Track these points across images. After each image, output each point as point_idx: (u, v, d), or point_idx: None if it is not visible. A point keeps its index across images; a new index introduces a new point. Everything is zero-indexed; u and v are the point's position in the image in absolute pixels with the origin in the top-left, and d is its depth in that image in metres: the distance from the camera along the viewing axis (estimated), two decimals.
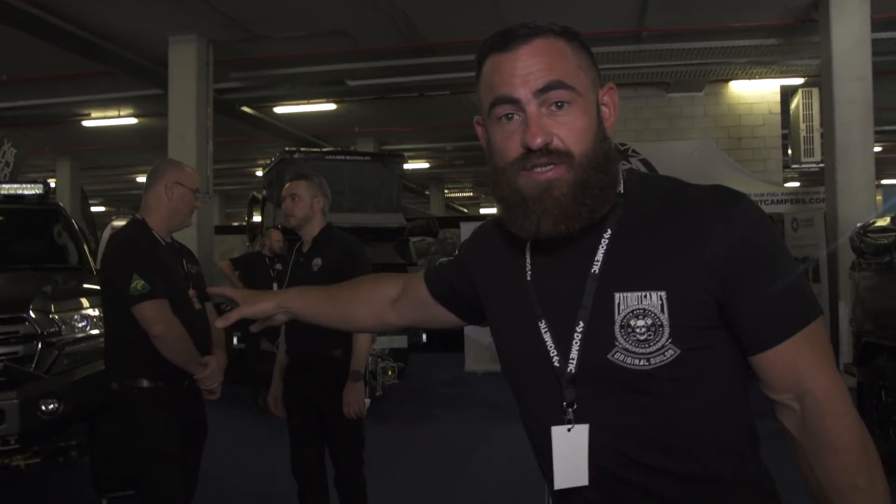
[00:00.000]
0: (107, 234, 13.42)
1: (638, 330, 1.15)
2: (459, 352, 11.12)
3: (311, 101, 13.10)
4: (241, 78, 11.56)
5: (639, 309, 1.15)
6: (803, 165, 11.70)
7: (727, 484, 1.19)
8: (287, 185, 3.68)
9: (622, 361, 1.16)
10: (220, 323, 1.58)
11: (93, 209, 20.17)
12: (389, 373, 8.56)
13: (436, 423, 7.81)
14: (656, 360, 1.15)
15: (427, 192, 25.69)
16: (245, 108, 13.21)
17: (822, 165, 9.92)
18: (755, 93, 12.53)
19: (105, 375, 3.23)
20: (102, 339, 3.36)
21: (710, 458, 1.20)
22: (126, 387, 3.08)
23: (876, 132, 9.06)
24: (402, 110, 14.34)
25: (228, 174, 20.16)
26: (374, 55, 10.66)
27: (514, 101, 1.18)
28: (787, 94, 12.17)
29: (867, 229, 5.92)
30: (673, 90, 12.47)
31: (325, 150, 13.32)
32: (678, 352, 1.14)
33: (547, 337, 1.24)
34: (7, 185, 5.33)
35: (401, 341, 9.21)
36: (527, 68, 1.18)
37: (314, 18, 9.37)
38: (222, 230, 12.53)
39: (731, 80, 12.31)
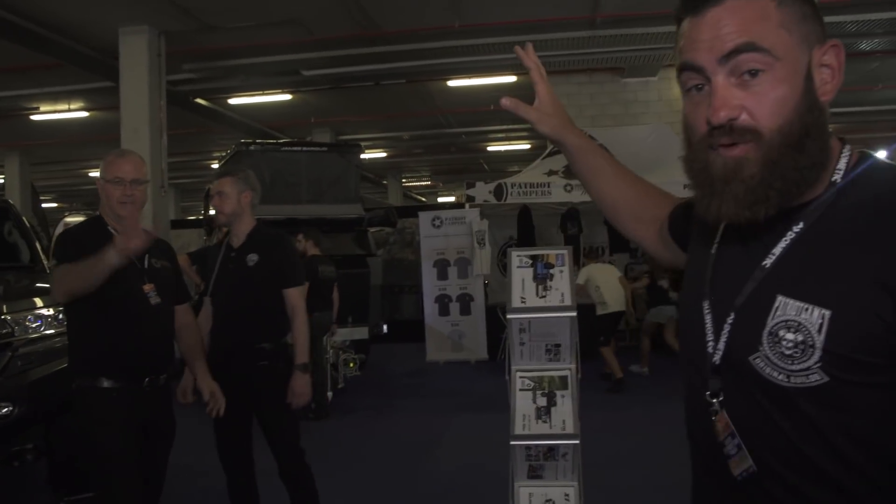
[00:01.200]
0: (59, 230, 13.22)
1: (785, 343, 1.02)
2: (421, 341, 11.15)
3: (266, 91, 12.95)
4: (194, 69, 11.36)
5: (793, 321, 1.01)
6: None
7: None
8: (213, 183, 3.72)
9: (761, 369, 1.05)
10: None
11: (45, 205, 19.79)
12: (351, 364, 8.56)
13: (398, 413, 7.84)
14: (797, 381, 1.01)
15: (385, 182, 25.60)
16: (199, 100, 13.01)
17: None
18: None
19: (64, 375, 3.21)
20: (58, 339, 3.30)
21: (874, 474, 1.02)
22: (81, 386, 3.07)
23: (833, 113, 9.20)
24: (359, 99, 14.25)
25: (184, 167, 19.87)
26: (328, 44, 10.55)
27: (699, 69, 1.07)
28: None
29: None
30: (628, 75, 12.55)
31: (282, 141, 13.21)
32: (825, 379, 0.99)
33: (707, 319, 1.15)
34: None
35: (361, 332, 9.22)
36: (714, 31, 1.05)
37: (267, 8, 9.24)
38: (178, 224, 12.38)
39: None
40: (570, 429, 3.02)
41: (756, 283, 1.08)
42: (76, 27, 9.68)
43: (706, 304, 1.15)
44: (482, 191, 10.25)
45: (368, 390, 9.02)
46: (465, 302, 11.06)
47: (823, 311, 0.99)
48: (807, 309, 1.00)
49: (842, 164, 1.08)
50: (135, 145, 10.06)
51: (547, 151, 10.98)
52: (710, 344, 1.13)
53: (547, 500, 3.13)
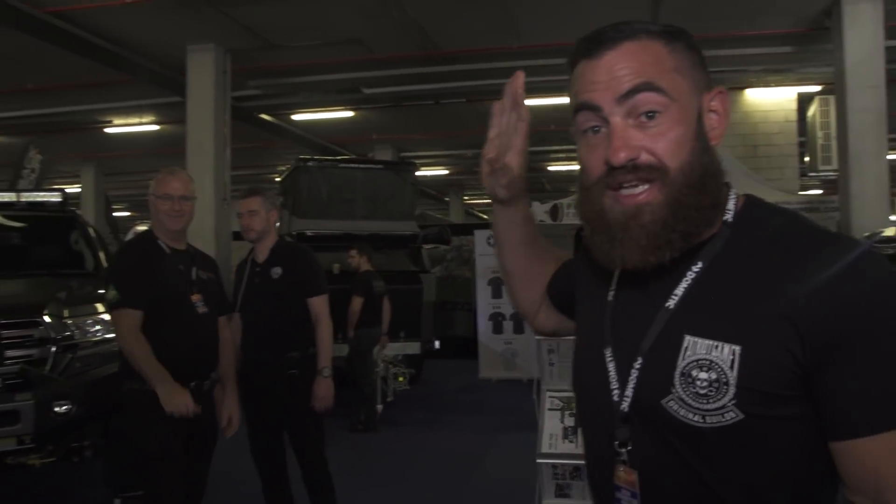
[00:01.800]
0: (130, 237, 13.66)
1: (699, 383, 1.00)
2: (474, 359, 11.19)
3: (328, 108, 13.25)
4: (258, 86, 11.70)
5: (704, 360, 1.00)
6: (821, 173, 11.69)
7: None
8: (241, 201, 3.87)
9: (675, 412, 1.02)
10: None
11: (117, 214, 20.47)
12: (400, 378, 8.65)
13: (446, 428, 7.88)
14: (712, 420, 0.99)
15: (447, 199, 25.77)
16: (263, 116, 13.37)
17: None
18: (771, 100, 12.47)
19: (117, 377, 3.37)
20: (115, 343, 3.49)
21: None
22: (131, 389, 3.21)
23: (890, 140, 9.03)
24: (419, 117, 14.44)
25: (248, 180, 20.31)
26: (389, 63, 10.76)
27: (596, 109, 1.06)
28: (804, 101, 12.15)
29: (875, 240, 5.94)
30: None
31: (339, 158, 13.47)
32: (741, 416, 0.98)
33: (611, 367, 1.12)
34: (28, 194, 5.48)
35: (413, 348, 9.31)
36: (611, 73, 1.05)
37: (329, 27, 9.49)
38: (240, 236, 12.65)
39: (747, 87, 12.27)
40: None
41: (662, 325, 1.06)
42: (147, 45, 10.08)
43: (608, 352, 1.13)
44: (538, 211, 10.28)
45: (418, 405, 9.10)
46: (519, 321, 11.06)
47: (734, 346, 0.98)
48: (717, 346, 0.99)
49: (731, 205, 1.09)
50: (199, 158, 10.42)
51: None
52: (616, 392, 1.10)
53: None
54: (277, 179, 14.18)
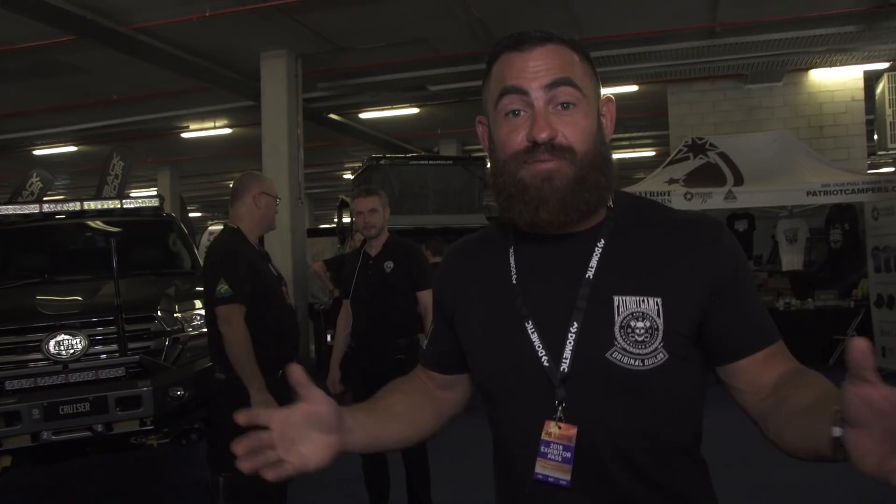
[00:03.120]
0: (205, 238, 14.26)
1: (637, 331, 1.19)
2: None
3: (394, 106, 13.59)
4: (327, 87, 12.08)
5: (638, 312, 1.20)
6: (890, 151, 11.55)
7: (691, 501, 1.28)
8: (361, 199, 4.18)
9: (619, 361, 1.20)
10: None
11: (190, 215, 21.24)
12: None
13: None
14: (650, 362, 1.19)
15: None
16: (332, 115, 13.80)
17: None
18: (837, 80, 12.33)
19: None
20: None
21: (681, 467, 1.27)
22: (232, 377, 3.50)
23: None
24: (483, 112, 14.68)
25: (317, 178, 20.93)
26: (453, 61, 11.04)
27: (524, 93, 1.22)
28: (871, 79, 11.98)
29: None
30: (751, 81, 12.36)
31: (410, 155, 13.82)
32: (667, 356, 1.20)
33: (534, 337, 1.25)
34: (129, 200, 5.93)
35: None
36: (538, 66, 1.22)
37: (395, 29, 9.82)
38: (313, 233, 13.13)
39: (811, 68, 12.16)
40: None
41: (588, 291, 1.23)
42: (223, 54, 10.57)
43: (529, 325, 1.25)
44: None
45: None
46: None
47: (656, 298, 1.20)
48: (643, 300, 1.20)
49: (610, 195, 1.30)
50: (274, 160, 10.88)
51: (669, 159, 11.06)
52: (546, 359, 1.23)
53: None
54: (347, 176, 14.63)
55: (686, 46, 10.40)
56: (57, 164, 17.27)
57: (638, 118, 15.39)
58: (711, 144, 10.61)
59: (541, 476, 1.23)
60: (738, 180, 9.90)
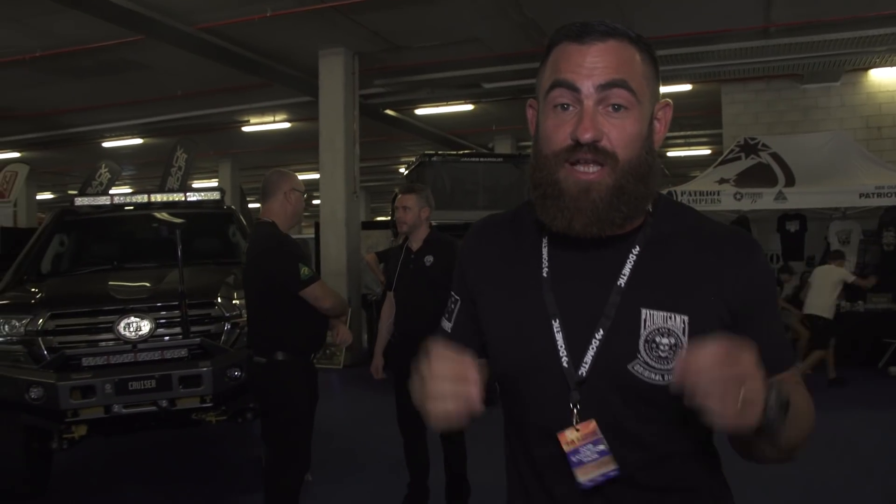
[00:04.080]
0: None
1: (661, 347, 1.18)
2: None
3: (449, 102, 13.80)
4: (384, 84, 12.36)
5: (664, 328, 1.19)
6: None
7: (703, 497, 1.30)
8: (399, 196, 4.47)
9: (640, 374, 1.19)
10: None
11: (249, 206, 21.78)
12: None
13: None
14: (670, 378, 1.15)
15: None
16: (388, 111, 14.09)
17: None
18: None
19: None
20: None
21: (696, 473, 1.29)
22: (272, 360, 3.81)
23: None
24: None
25: (373, 171, 21.30)
26: (507, 59, 11.21)
27: (575, 90, 1.18)
28: None
29: None
30: (807, 81, 12.27)
31: (461, 152, 14.03)
32: None
33: (559, 337, 1.24)
34: (192, 193, 6.26)
35: None
36: (595, 63, 1.18)
37: (450, 28, 10.03)
38: (368, 225, 13.43)
39: (871, 68, 12.00)
40: None
41: (618, 300, 1.21)
42: (283, 52, 10.93)
43: (556, 323, 1.24)
44: None
45: None
46: None
47: (683, 316, 1.19)
48: (671, 317, 1.19)
49: (650, 203, 1.27)
50: (331, 154, 11.21)
51: (720, 159, 11.08)
52: (566, 360, 1.22)
53: None
54: (401, 170, 14.90)
55: (740, 46, 10.39)
56: (124, 155, 17.93)
57: (692, 116, 15.35)
58: (764, 145, 10.60)
59: (590, 483, 1.21)
60: (790, 181, 9.88)
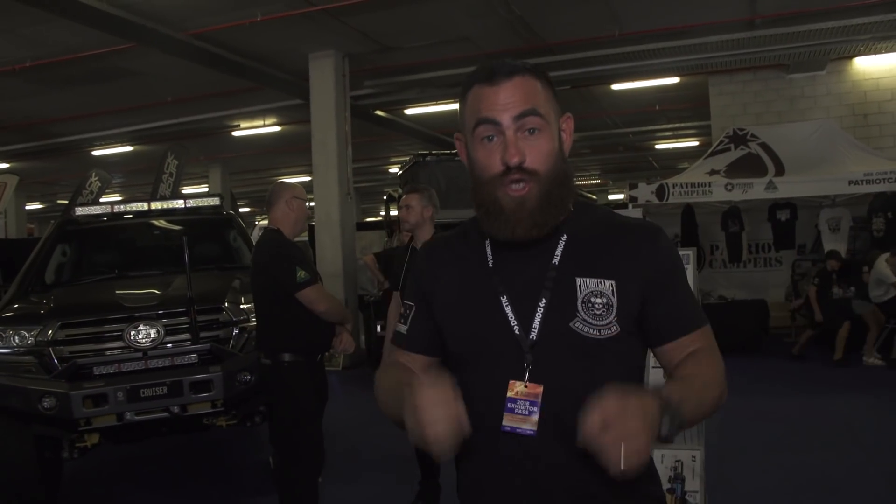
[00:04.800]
0: (256, 233, 14.71)
1: (596, 305, 1.43)
2: None
3: (439, 102, 13.83)
4: (374, 85, 12.36)
5: (597, 290, 1.44)
6: None
7: None
8: (403, 196, 4.52)
9: (580, 330, 1.42)
10: None
11: (240, 210, 21.81)
12: None
13: None
14: (605, 332, 1.42)
15: None
16: (378, 112, 14.13)
17: None
18: (882, 67, 12.28)
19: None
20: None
21: None
22: (278, 361, 3.95)
23: None
24: None
25: (364, 172, 21.31)
26: (496, 58, 11.13)
27: (496, 123, 1.42)
28: None
29: None
30: (793, 71, 12.38)
31: (454, 151, 14.05)
32: (619, 329, 1.43)
33: (508, 310, 1.46)
34: (191, 199, 6.30)
35: None
36: (508, 99, 1.42)
37: (439, 28, 10.08)
38: (361, 226, 13.49)
39: (856, 56, 12.11)
40: None
41: (555, 274, 1.46)
42: (273, 56, 10.96)
43: (504, 299, 1.47)
44: (644, 191, 10.49)
45: None
46: None
47: (611, 281, 1.45)
48: (601, 282, 1.45)
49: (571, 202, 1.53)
50: (323, 156, 11.26)
51: (710, 150, 11.17)
52: (517, 328, 1.45)
53: (676, 461, 3.69)
54: (393, 170, 14.94)
55: (726, 39, 10.47)
56: (113, 163, 17.89)
57: (680, 109, 15.47)
58: (753, 135, 10.69)
59: (508, 428, 1.42)
60: (779, 170, 9.98)
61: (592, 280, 1.45)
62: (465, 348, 1.52)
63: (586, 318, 1.43)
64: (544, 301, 1.45)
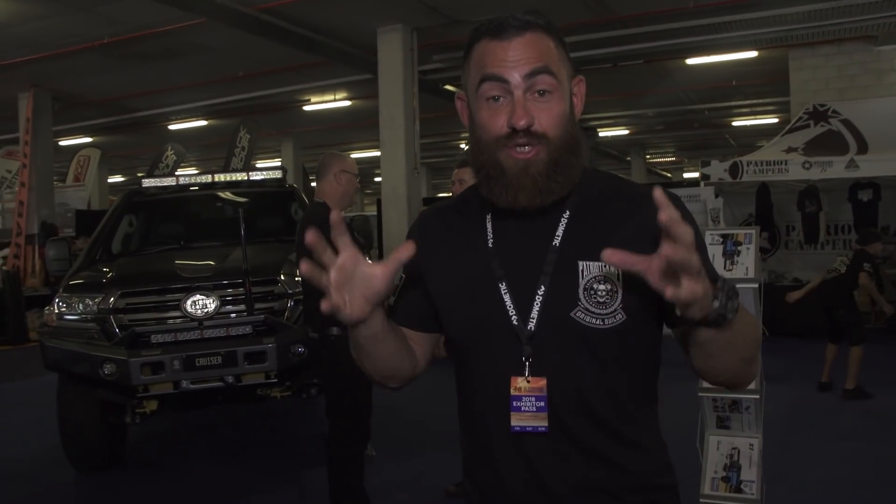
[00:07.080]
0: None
1: (599, 293, 1.29)
2: None
3: None
4: (442, 59, 12.28)
5: (601, 276, 1.30)
6: None
7: (648, 452, 1.37)
8: (456, 170, 4.45)
9: (582, 319, 1.29)
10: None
11: (312, 184, 22.07)
12: None
13: None
14: (609, 322, 1.29)
15: (628, 158, 25.68)
16: (447, 87, 14.06)
17: None
18: None
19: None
20: None
21: (643, 420, 1.37)
22: (325, 335, 3.94)
23: None
24: (598, 80, 14.60)
25: (434, 147, 21.32)
26: (566, 31, 10.89)
27: (504, 81, 1.28)
28: None
29: None
30: (882, 42, 11.77)
31: None
32: (625, 317, 1.29)
33: (507, 298, 1.34)
34: (255, 172, 6.36)
35: None
36: (518, 55, 1.28)
37: (508, 1, 9.92)
38: (429, 201, 13.48)
39: None
40: (751, 385, 3.41)
41: (555, 257, 1.32)
42: (342, 30, 10.99)
43: (503, 286, 1.34)
44: (717, 169, 10.18)
45: None
46: None
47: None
48: (605, 266, 1.28)
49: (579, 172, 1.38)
50: (391, 132, 11.25)
51: (787, 127, 10.76)
52: (515, 318, 1.33)
53: (733, 449, 3.56)
54: (463, 146, 14.86)
55: (808, 10, 10.04)
56: (189, 137, 18.32)
57: (758, 84, 14.95)
58: (834, 111, 10.22)
59: (518, 428, 1.32)
60: (862, 148, 9.53)
61: (596, 264, 1.30)
62: (464, 336, 1.41)
63: (588, 306, 1.30)
64: (543, 289, 1.32)
